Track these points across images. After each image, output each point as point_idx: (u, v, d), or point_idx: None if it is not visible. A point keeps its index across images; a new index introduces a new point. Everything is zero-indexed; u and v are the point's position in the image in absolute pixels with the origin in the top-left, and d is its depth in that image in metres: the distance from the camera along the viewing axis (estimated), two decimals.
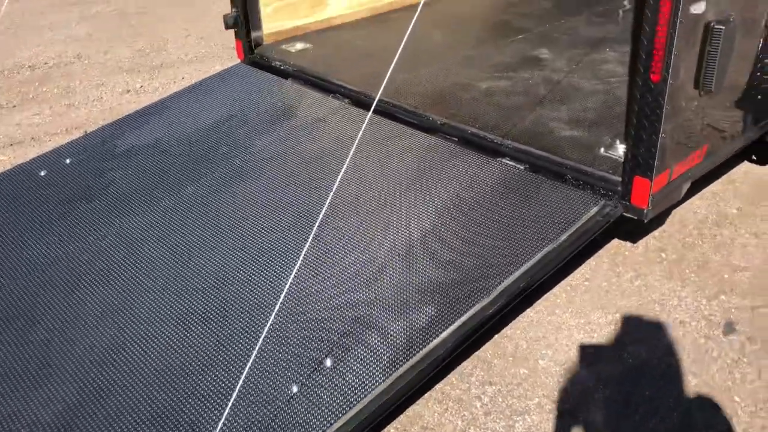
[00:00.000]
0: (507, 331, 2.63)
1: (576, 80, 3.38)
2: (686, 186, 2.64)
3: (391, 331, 2.11)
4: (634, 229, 3.01)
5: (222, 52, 5.75)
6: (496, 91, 3.30)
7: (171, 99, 3.69)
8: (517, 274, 2.27)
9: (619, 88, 3.24)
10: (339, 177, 2.19)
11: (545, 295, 2.80)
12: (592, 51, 3.72)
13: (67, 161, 3.24)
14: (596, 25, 4.14)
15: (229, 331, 2.18)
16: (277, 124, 3.29)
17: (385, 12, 4.42)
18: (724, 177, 3.49)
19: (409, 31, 2.28)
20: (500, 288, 2.23)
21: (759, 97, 2.85)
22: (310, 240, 2.13)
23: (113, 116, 4.35)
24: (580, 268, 2.94)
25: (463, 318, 2.14)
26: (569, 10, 4.43)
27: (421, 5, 2.44)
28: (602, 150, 2.71)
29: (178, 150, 3.20)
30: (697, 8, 2.21)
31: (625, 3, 4.46)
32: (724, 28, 2.29)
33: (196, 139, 3.27)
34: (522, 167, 2.75)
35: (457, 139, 2.98)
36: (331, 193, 2.18)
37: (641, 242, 3.09)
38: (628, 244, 3.08)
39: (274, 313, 2.06)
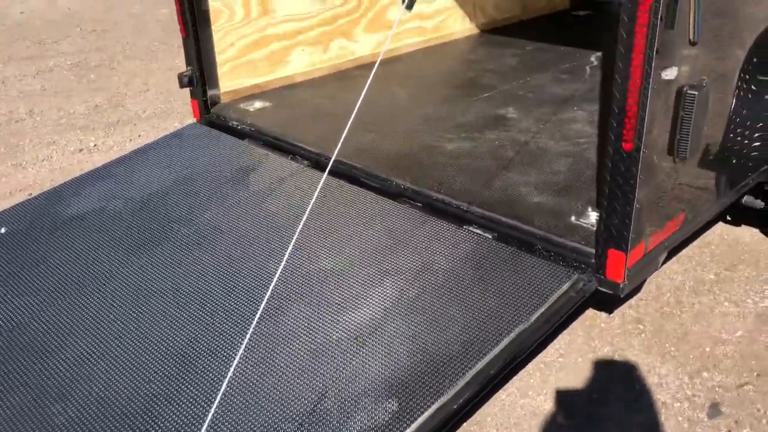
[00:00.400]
0: (477, 417, 2.42)
1: (544, 141, 3.25)
2: (663, 257, 2.49)
3: (349, 429, 1.89)
4: (608, 299, 2.84)
5: (182, 108, 5.59)
6: (462, 154, 3.15)
7: (121, 161, 3.48)
8: (486, 359, 2.07)
9: (589, 150, 3.12)
10: (289, 249, 2.00)
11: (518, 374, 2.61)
12: (559, 110, 3.61)
13: (2, 230, 3.00)
14: (563, 83, 4.05)
15: (170, 426, 1.94)
16: (230, 189, 3.09)
17: (347, 69, 4.31)
18: (700, 240, 3.37)
19: (364, 91, 2.14)
20: (469, 376, 2.03)
21: (734, 160, 2.75)
22: (255, 322, 1.93)
23: (63, 177, 4.12)
24: (554, 343, 2.76)
25: (429, 412, 1.92)
26: (535, 67, 4.35)
27: (378, 63, 2.31)
28: (573, 218, 2.56)
29: (127, 216, 2.98)
30: (669, 74, 2.09)
31: (593, 60, 4.40)
32: (697, 93, 2.17)
33: (146, 204, 3.05)
34: (490, 236, 2.58)
35: (421, 205, 2.81)
36: (280, 267, 1.98)
37: (617, 312, 2.92)
38: (604, 314, 2.91)
39: (213, 408, 1.84)
